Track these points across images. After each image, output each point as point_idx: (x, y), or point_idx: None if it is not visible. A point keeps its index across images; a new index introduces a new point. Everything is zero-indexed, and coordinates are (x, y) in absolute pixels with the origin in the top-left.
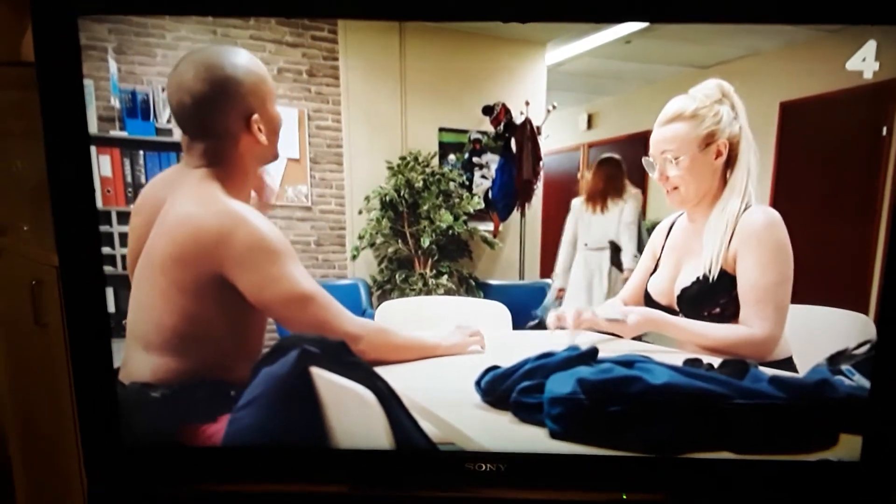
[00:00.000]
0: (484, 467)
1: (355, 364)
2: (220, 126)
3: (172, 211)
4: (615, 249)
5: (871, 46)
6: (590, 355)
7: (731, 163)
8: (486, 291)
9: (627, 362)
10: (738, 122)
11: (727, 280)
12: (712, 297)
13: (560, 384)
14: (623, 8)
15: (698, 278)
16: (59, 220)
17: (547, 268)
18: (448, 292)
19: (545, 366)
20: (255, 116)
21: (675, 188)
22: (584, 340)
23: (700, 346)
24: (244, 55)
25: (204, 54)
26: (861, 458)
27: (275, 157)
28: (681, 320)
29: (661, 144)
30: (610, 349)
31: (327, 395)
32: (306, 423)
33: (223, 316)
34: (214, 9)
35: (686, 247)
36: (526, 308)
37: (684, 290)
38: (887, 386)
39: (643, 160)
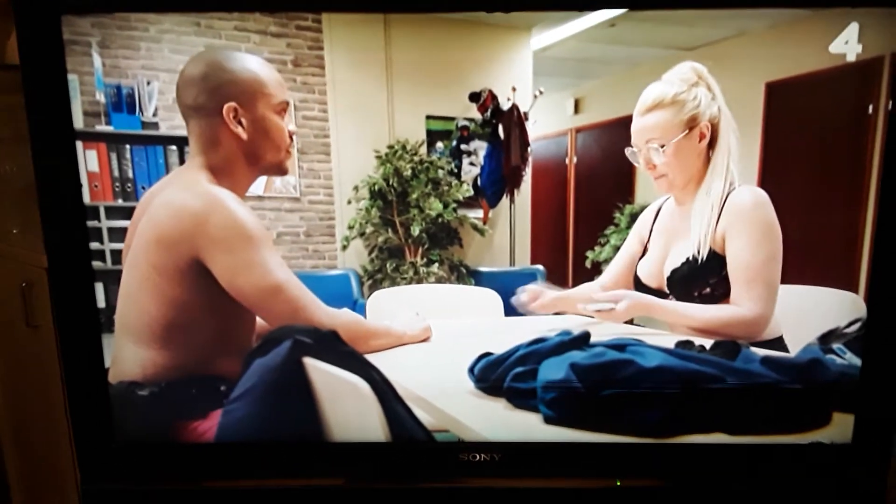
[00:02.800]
0: (478, 457)
1: (349, 354)
2: (197, 101)
3: (158, 197)
4: None
5: (853, 29)
6: (582, 340)
7: (712, 143)
8: (478, 279)
9: (620, 346)
10: (716, 102)
11: (717, 260)
12: (702, 277)
13: (553, 369)
14: None
15: (687, 259)
16: (47, 222)
17: (537, 254)
18: (439, 280)
19: (538, 351)
20: (231, 104)
21: (663, 175)
22: (576, 324)
23: (691, 328)
24: (254, 58)
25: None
26: (853, 440)
27: (278, 167)
28: (670, 303)
29: (644, 133)
30: (602, 333)
31: (321, 385)
32: (300, 414)
33: (205, 304)
34: (198, 4)
35: (674, 229)
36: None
37: (674, 272)
38: (878, 365)
39: (626, 151)
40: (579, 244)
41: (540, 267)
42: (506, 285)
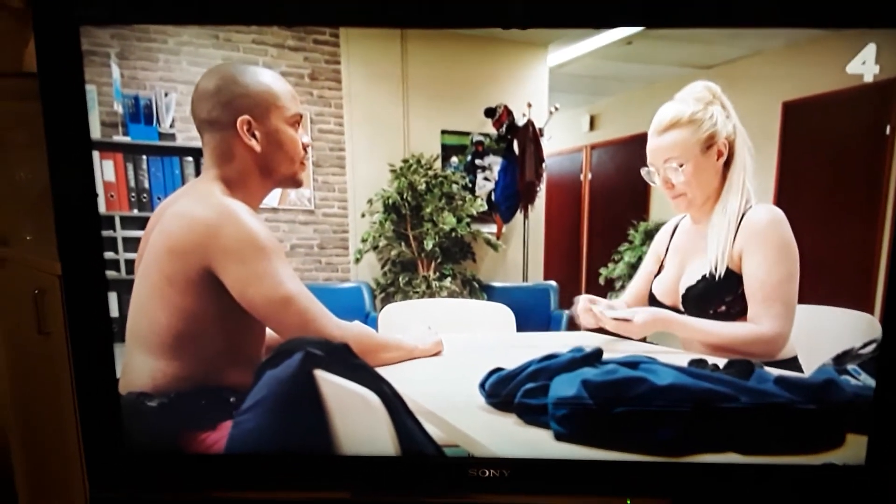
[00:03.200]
0: (488, 473)
1: (360, 367)
2: (211, 115)
3: (171, 207)
4: None
5: (870, 50)
6: (594, 356)
7: (728, 162)
8: (490, 293)
9: (632, 363)
10: (731, 120)
11: (733, 278)
12: (718, 295)
13: (564, 386)
14: (620, 14)
15: (704, 276)
16: (61, 230)
17: (550, 269)
18: (451, 295)
19: (549, 367)
20: (245, 117)
21: (682, 195)
22: (592, 342)
23: (708, 344)
24: (267, 72)
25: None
26: (866, 462)
27: (292, 179)
28: (689, 318)
29: (662, 153)
30: (615, 350)
31: (332, 398)
32: (310, 426)
33: (216, 315)
34: (214, 17)
35: (690, 248)
36: (530, 310)
37: (689, 289)
38: (892, 387)
39: (642, 171)
40: (593, 260)
41: (553, 283)
42: (518, 300)
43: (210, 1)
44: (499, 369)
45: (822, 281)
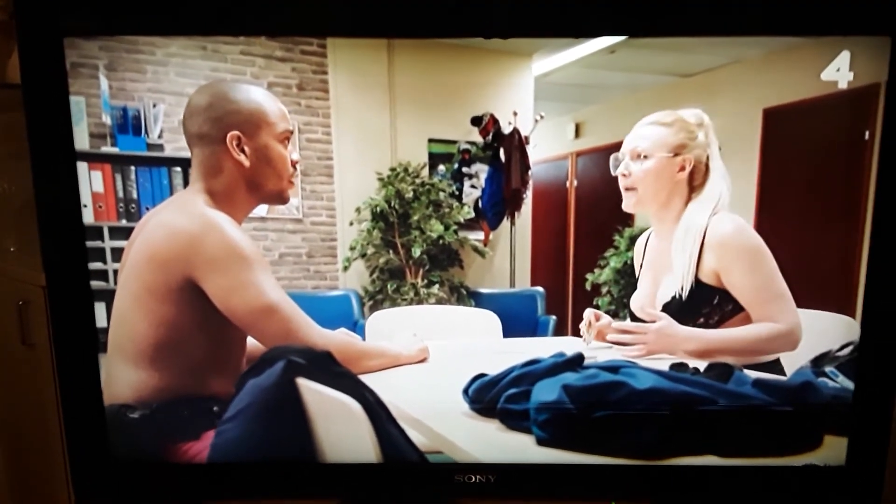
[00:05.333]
0: (473, 478)
1: (342, 374)
2: (201, 129)
3: (154, 218)
4: None
5: (844, 57)
6: (576, 361)
7: (693, 186)
8: (478, 300)
9: (613, 368)
10: (709, 150)
11: (706, 290)
12: (694, 309)
13: (546, 391)
14: (600, 24)
15: (674, 296)
16: (46, 241)
17: (537, 276)
18: (439, 301)
19: (532, 373)
20: (235, 132)
21: (633, 189)
22: (575, 348)
23: (726, 352)
24: (258, 89)
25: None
26: (847, 462)
27: (279, 196)
28: (704, 331)
29: (634, 140)
30: (597, 355)
31: (314, 406)
32: (294, 435)
33: (196, 325)
34: (200, 29)
35: (660, 263)
36: (517, 315)
37: (665, 306)
38: (871, 388)
39: (611, 157)
40: (579, 266)
41: (540, 289)
42: (505, 306)
43: (195, 12)
44: (482, 375)
45: (803, 285)
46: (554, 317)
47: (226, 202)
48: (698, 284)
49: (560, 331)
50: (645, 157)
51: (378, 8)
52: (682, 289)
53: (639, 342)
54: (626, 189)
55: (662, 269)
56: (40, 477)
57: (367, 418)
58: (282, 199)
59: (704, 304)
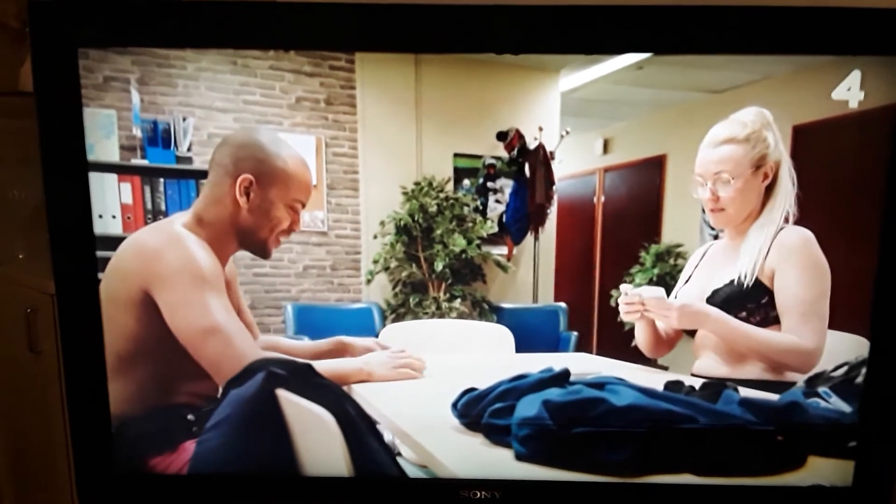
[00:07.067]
0: (471, 494)
1: (323, 386)
2: (223, 161)
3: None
4: None
5: (855, 76)
6: (562, 377)
7: (771, 185)
8: (500, 315)
9: (598, 384)
10: (779, 147)
11: (759, 289)
12: (741, 300)
13: (529, 406)
14: (613, 42)
15: (732, 281)
16: (56, 249)
17: (561, 291)
18: (461, 316)
19: (518, 387)
20: (248, 176)
21: (723, 210)
22: (576, 364)
23: (742, 347)
24: (297, 155)
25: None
26: (854, 483)
27: (261, 247)
28: (727, 316)
29: (714, 165)
30: (585, 371)
31: (293, 418)
32: (274, 447)
33: (157, 337)
34: (217, 42)
35: (721, 261)
36: (539, 331)
37: (715, 291)
38: (878, 408)
39: (694, 180)
40: (605, 282)
41: (562, 304)
42: (527, 322)
43: (207, 25)
44: (472, 389)
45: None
46: (576, 333)
47: (208, 231)
48: (755, 281)
49: (583, 347)
50: (731, 178)
51: (385, 24)
52: (744, 275)
53: (662, 314)
54: (715, 210)
55: (722, 265)
56: (44, 485)
57: (339, 431)
58: (263, 251)
59: (752, 299)
